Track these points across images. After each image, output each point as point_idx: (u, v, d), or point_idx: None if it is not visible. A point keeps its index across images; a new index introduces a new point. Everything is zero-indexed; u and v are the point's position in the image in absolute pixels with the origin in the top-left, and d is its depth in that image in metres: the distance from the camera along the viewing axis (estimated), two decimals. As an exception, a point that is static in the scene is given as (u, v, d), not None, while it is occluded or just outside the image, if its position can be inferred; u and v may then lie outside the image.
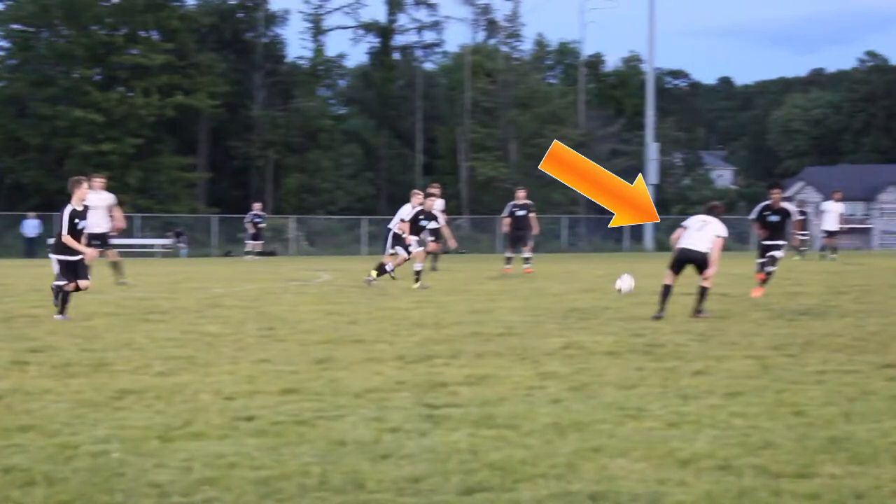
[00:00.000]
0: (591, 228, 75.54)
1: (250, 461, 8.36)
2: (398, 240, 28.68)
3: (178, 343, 15.87)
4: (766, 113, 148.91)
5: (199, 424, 9.77)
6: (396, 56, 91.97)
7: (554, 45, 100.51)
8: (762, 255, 24.66)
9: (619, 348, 15.10)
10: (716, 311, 20.77)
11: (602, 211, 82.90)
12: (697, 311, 19.87)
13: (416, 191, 30.19)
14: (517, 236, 35.66)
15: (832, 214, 48.20)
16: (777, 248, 24.62)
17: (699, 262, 19.95)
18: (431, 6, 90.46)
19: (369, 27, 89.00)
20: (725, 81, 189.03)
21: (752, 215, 25.29)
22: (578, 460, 8.35)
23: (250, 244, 56.09)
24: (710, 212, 20.53)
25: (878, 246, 66.30)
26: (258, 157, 79.90)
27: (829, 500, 7.33)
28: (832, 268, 39.70)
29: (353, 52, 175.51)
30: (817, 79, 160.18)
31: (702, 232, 19.99)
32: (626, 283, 21.36)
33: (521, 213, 35.45)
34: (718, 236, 20.00)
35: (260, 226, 56.19)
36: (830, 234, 47.96)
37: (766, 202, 24.76)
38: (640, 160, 75.56)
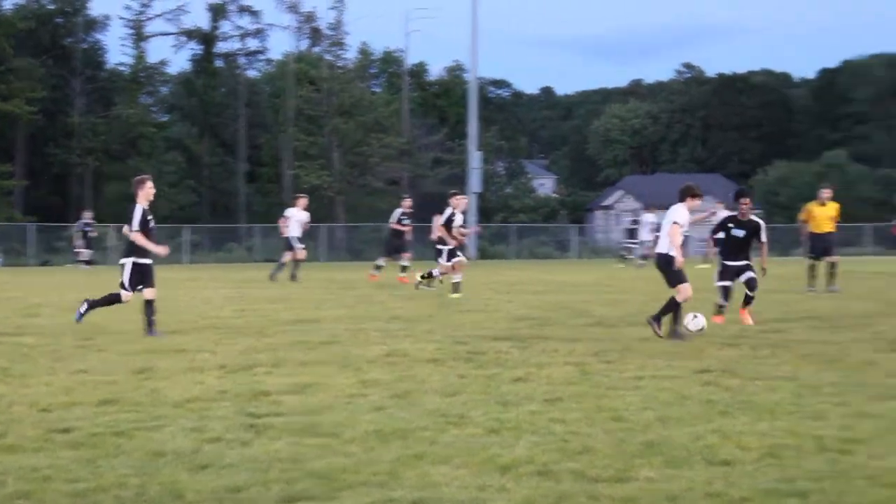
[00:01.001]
0: (416, 237, 75.76)
1: (66, 474, 8.21)
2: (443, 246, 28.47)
3: (-7, 354, 15.52)
4: (587, 123, 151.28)
5: (13, 437, 9.56)
6: (219, 63, 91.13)
7: (378, 53, 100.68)
8: (724, 277, 20.47)
9: (441, 356, 15.17)
10: (536, 319, 21.00)
11: (426, 219, 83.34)
12: (656, 317, 17.60)
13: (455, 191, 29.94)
14: (399, 245, 35.35)
15: (648, 225, 49.47)
16: (747, 268, 20.25)
17: (659, 267, 18.07)
18: (255, 14, 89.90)
19: (192, 34, 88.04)
20: (547, 91, 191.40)
21: (714, 227, 20.99)
22: (400, 467, 8.37)
23: (85, 253, 55.08)
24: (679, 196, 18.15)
25: (693, 253, 67.57)
26: (77, 165, 78.46)
27: None
28: (650, 275, 40.41)
29: (176, 58, 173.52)
30: (636, 89, 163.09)
31: (664, 227, 18.18)
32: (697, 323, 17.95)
33: (406, 221, 35.20)
34: (674, 222, 17.74)
35: (90, 235, 55.28)
36: (643, 243, 49.37)
37: (732, 213, 20.76)
38: (463, 169, 76.00)
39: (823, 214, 29.68)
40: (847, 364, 14.26)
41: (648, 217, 50.55)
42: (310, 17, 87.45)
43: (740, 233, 20.10)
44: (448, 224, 28.16)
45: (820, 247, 29.46)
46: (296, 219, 35.77)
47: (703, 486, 7.81)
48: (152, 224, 18.63)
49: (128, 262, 18.58)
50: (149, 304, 18.51)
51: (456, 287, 27.60)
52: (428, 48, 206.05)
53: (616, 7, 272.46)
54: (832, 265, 28.96)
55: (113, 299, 18.86)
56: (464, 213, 29.53)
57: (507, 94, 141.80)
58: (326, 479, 8.01)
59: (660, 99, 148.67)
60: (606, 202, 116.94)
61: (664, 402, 11.28)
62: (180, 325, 19.57)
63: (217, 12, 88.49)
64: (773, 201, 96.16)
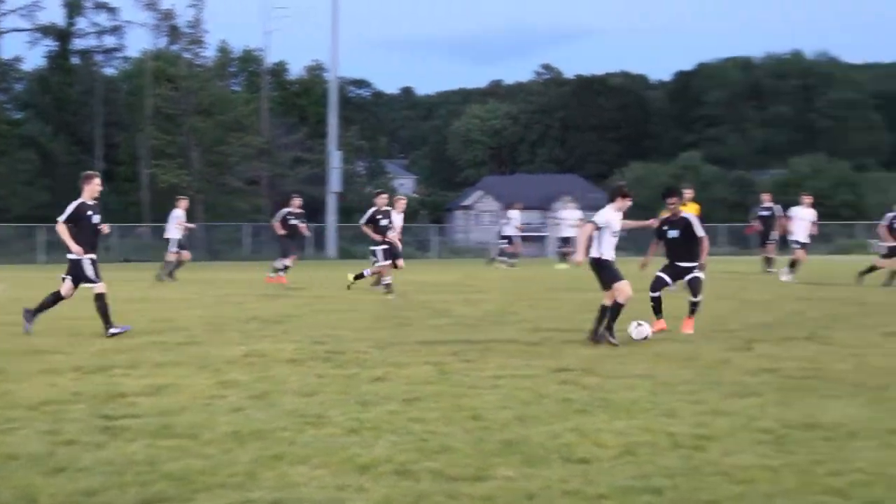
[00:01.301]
0: (273, 236, 75.22)
1: (-84, 479, 8.03)
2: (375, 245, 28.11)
3: None
4: (447, 123, 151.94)
5: None
6: (76, 60, 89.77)
7: (237, 52, 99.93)
8: (665, 271, 18.90)
9: (300, 356, 15.11)
10: (397, 318, 21.01)
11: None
12: (593, 334, 16.88)
13: (380, 190, 29.78)
14: (287, 245, 34.88)
15: (512, 222, 49.85)
16: (688, 270, 18.66)
17: (592, 270, 17.20)
18: (112, 11, 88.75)
19: (47, 30, 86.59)
20: (407, 91, 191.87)
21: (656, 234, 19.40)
22: (258, 468, 8.33)
23: None
24: (609, 197, 17.64)
25: (552, 254, 68.41)
26: (-73, 163, 76.76)
27: (503, 502, 7.50)
28: (511, 275, 40.68)
29: (30, 55, 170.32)
30: (496, 90, 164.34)
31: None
32: (641, 332, 17.07)
33: (294, 221, 34.71)
34: (590, 221, 17.16)
35: None
36: (509, 240, 49.73)
37: (667, 215, 19.07)
38: (324, 168, 75.76)
39: (686, 214, 30.01)
40: (702, 362, 14.49)
41: (512, 214, 50.89)
42: (168, 15, 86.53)
43: (675, 233, 18.77)
44: (374, 222, 27.98)
45: None
46: (181, 220, 35.79)
47: (560, 485, 7.87)
48: (95, 219, 18.35)
49: (83, 260, 18.13)
50: (56, 296, 18.37)
51: (388, 287, 27.48)
52: (288, 47, 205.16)
53: (475, 7, 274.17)
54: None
55: (103, 305, 18.29)
56: (403, 212, 29.67)
57: (368, 93, 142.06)
58: (183, 481, 7.94)
59: (519, 100, 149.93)
60: (466, 202, 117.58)
61: (522, 401, 11.36)
62: (35, 326, 19.19)
63: (73, 9, 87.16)
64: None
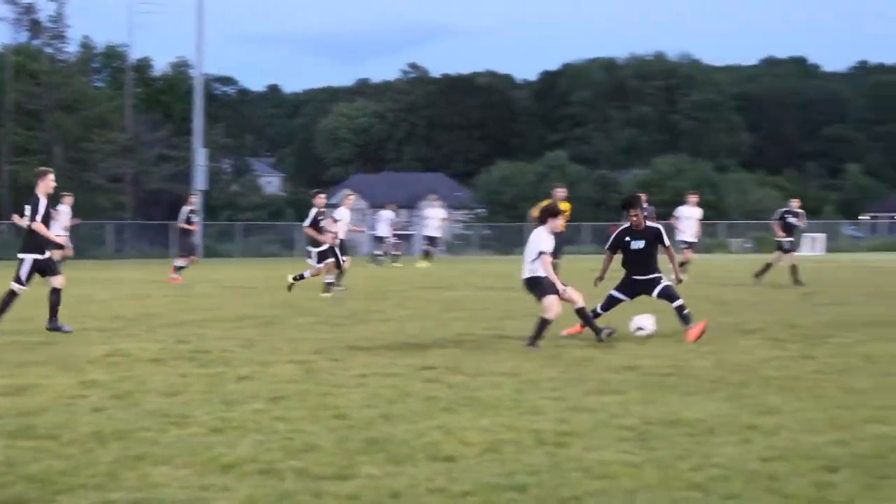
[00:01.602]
0: (137, 234, 74.41)
1: None
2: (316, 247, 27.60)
3: None
4: (314, 121, 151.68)
5: None
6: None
7: (100, 47, 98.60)
8: (621, 289, 18.35)
9: (164, 355, 14.97)
10: (263, 317, 20.92)
11: (150, 216, 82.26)
12: (530, 341, 16.04)
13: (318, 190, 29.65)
14: (192, 244, 34.22)
15: (386, 221, 50.10)
16: (657, 281, 17.88)
17: (528, 291, 16.73)
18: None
19: None
20: (274, 89, 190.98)
21: (610, 244, 18.62)
22: (120, 469, 8.23)
23: None
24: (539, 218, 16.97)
25: (418, 252, 68.51)
26: None
27: (367, 501, 7.50)
28: (377, 273, 40.73)
29: None
30: (363, 89, 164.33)
31: (527, 252, 16.65)
32: (646, 324, 17.33)
33: (196, 218, 34.09)
34: (540, 252, 16.39)
35: None
36: (382, 240, 49.96)
37: (625, 224, 18.18)
38: (188, 166, 75.08)
39: (559, 213, 30.17)
40: (566, 360, 14.63)
41: (386, 214, 51.11)
42: (29, 9, 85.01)
43: (640, 244, 17.80)
44: (315, 224, 27.65)
45: (556, 245, 29.78)
46: (69, 216, 35.45)
47: (425, 482, 7.89)
48: (52, 217, 18.18)
49: (28, 258, 17.90)
50: (56, 292, 18.14)
51: (327, 287, 27.07)
52: (152, 43, 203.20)
53: (342, 5, 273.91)
54: (556, 265, 29.47)
55: (6, 304, 17.95)
56: (352, 210, 29.52)
57: (234, 91, 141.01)
58: (43, 483, 7.83)
59: (386, 98, 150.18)
60: (333, 201, 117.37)
61: (388, 399, 11.37)
62: None
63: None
64: (496, 200, 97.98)
